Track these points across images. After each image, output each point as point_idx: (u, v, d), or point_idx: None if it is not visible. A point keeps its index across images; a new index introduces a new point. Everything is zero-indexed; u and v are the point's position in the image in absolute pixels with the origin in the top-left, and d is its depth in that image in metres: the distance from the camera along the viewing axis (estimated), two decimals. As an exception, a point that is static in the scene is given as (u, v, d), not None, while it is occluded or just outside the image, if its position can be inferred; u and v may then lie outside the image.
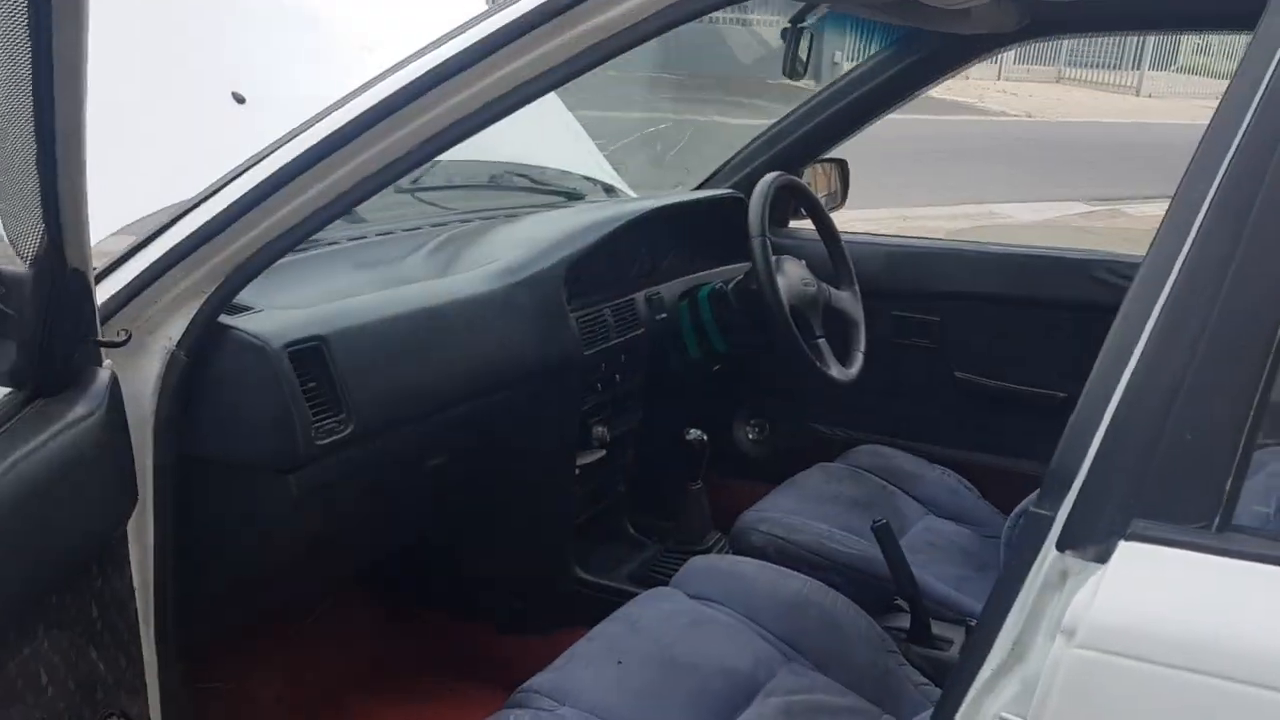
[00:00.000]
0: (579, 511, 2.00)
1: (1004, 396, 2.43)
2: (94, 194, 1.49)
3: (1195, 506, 0.85)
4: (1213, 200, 0.89)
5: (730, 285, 2.15)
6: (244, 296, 1.43)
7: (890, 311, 2.47)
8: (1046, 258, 2.39)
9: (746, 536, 2.01)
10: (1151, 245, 0.94)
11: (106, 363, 1.17)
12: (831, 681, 1.63)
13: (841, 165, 2.61)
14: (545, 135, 2.54)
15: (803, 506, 2.13)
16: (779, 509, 2.10)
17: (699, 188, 2.55)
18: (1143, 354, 0.89)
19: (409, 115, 1.17)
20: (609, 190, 2.54)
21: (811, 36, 2.01)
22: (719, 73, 12.43)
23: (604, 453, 2.02)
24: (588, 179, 2.53)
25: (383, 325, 1.52)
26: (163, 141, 1.68)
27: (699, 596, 1.73)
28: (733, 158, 2.51)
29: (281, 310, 1.45)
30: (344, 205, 1.26)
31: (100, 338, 1.10)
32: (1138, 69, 18.36)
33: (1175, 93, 18.13)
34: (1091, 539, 0.88)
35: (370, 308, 1.53)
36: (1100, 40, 18.33)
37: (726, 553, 2.00)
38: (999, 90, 16.66)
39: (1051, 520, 0.93)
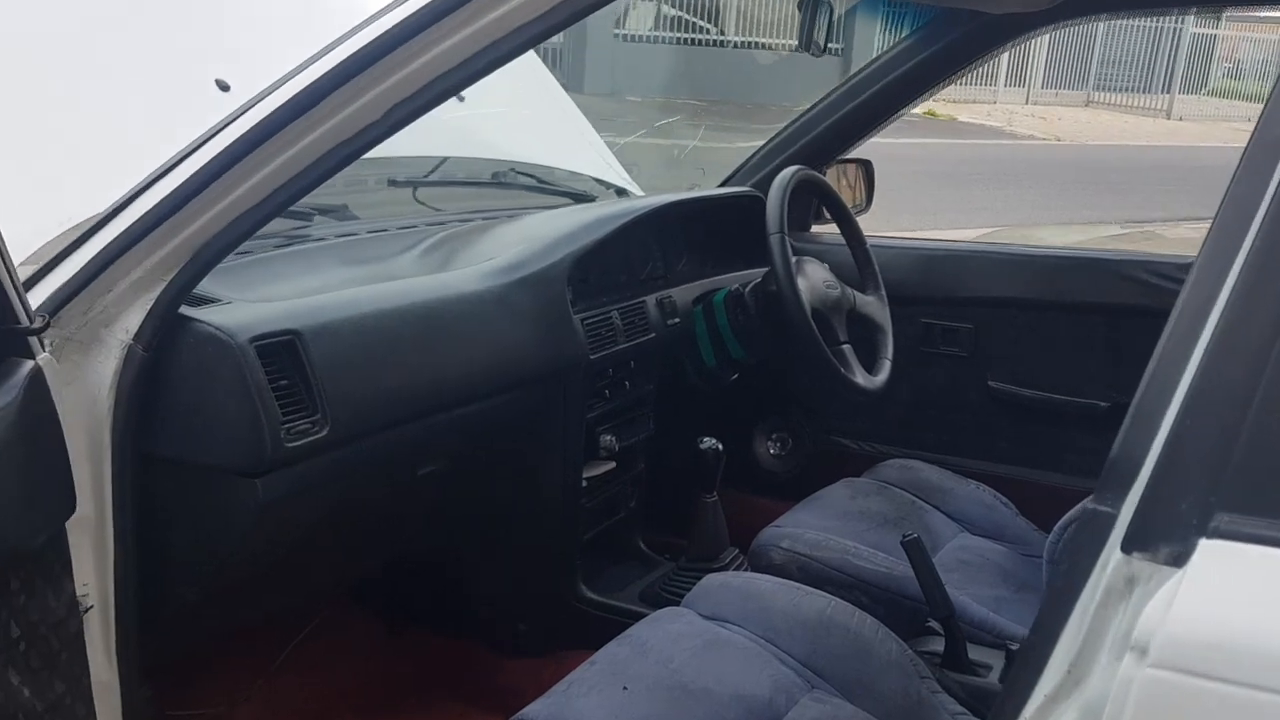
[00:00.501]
0: (586, 526, 1.87)
1: (1041, 406, 2.28)
2: (76, 182, 1.40)
3: None
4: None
5: (748, 288, 2.02)
6: (214, 290, 1.33)
7: (919, 318, 2.33)
8: (1082, 259, 2.25)
9: (766, 554, 1.88)
10: (1217, 215, 0.81)
11: (43, 355, 1.06)
12: (859, 710, 1.49)
13: (866, 166, 2.49)
14: (554, 135, 2.44)
15: (827, 523, 1.99)
16: (801, 525, 1.97)
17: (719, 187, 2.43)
18: (1217, 326, 0.76)
19: (382, 72, 1.05)
20: (621, 194, 2.42)
21: (830, 10, 1.88)
22: (743, 100, 12.39)
23: (613, 464, 1.89)
24: (599, 181, 2.42)
25: (366, 321, 1.40)
26: (144, 129, 1.58)
27: (713, 617, 1.60)
28: (752, 155, 2.39)
29: (252, 303, 1.34)
30: (315, 177, 1.14)
31: (18, 325, 0.98)
32: (1168, 92, 18.14)
33: (1207, 116, 17.90)
34: (1164, 538, 0.74)
35: (352, 302, 1.42)
36: (1129, 64, 18.17)
37: (744, 570, 1.86)
38: (1027, 114, 16.48)
39: (1113, 519, 0.79)
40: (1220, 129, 16.66)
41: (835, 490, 2.11)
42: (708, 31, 14.74)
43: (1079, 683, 0.79)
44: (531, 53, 1.61)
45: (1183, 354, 0.77)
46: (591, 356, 1.75)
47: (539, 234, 1.78)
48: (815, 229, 2.49)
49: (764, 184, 2.31)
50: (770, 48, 14.62)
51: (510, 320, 1.61)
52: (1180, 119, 17.44)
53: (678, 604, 1.70)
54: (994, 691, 1.63)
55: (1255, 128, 0.84)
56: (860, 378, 1.96)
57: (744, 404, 2.43)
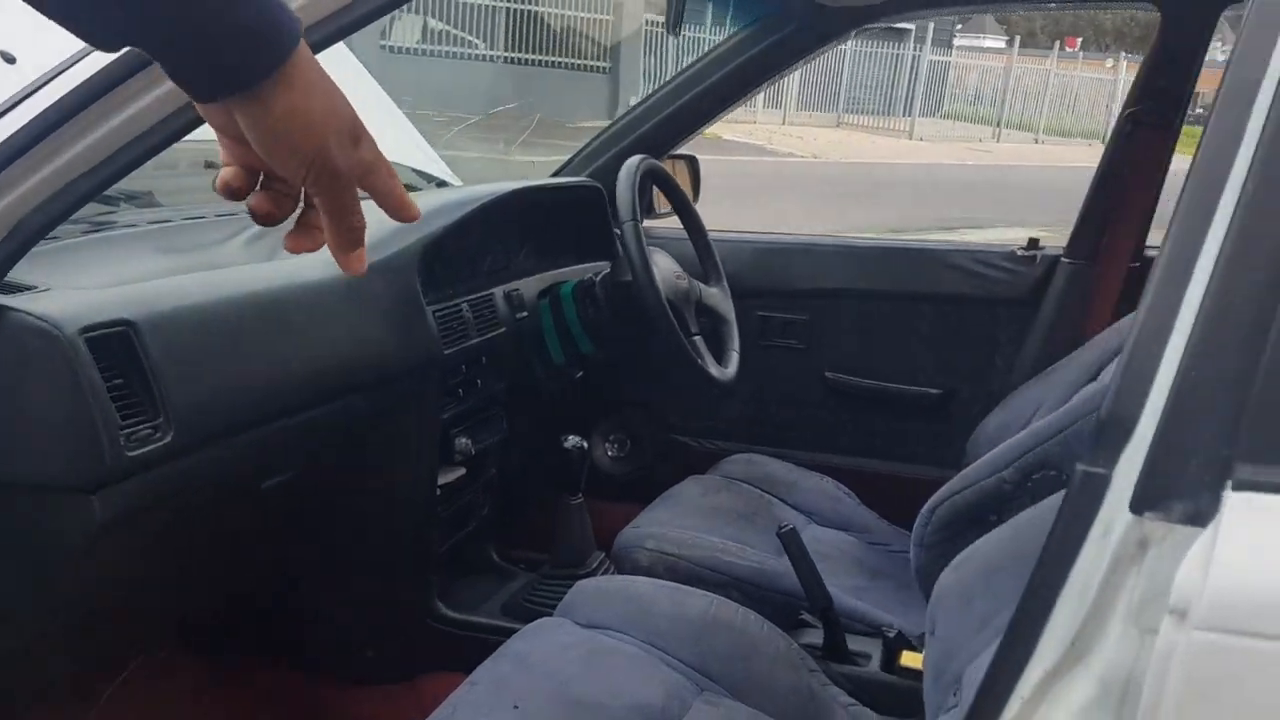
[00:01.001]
0: (441, 538, 1.72)
1: (877, 396, 2.31)
2: None
3: None
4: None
5: (598, 280, 1.93)
6: (25, 276, 1.12)
7: (755, 311, 2.32)
8: (912, 250, 2.30)
9: (631, 556, 1.80)
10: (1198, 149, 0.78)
11: None
12: (753, 711, 1.43)
13: (693, 162, 2.45)
14: (370, 125, 2.27)
15: (685, 521, 1.93)
16: (660, 524, 1.90)
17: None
18: (1217, 266, 0.73)
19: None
20: (442, 186, 2.28)
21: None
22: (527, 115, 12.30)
23: (463, 470, 1.75)
24: (419, 173, 2.27)
25: (207, 311, 1.22)
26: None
27: (593, 625, 1.50)
28: (583, 149, 2.30)
29: (76, 290, 1.14)
30: (162, 138, 0.97)
31: None
32: (910, 115, 19.38)
33: (944, 136, 19.26)
34: (1180, 495, 0.70)
35: (190, 290, 1.23)
36: (874, 88, 19.32)
37: (611, 575, 1.76)
38: (785, 133, 17.21)
39: (1107, 480, 0.75)
40: (956, 148, 17.99)
41: (685, 488, 2.06)
42: (475, 46, 14.59)
43: (1085, 655, 0.75)
44: (342, 44, 1.47)
45: (1174, 300, 0.74)
46: (446, 352, 1.61)
47: (379, 219, 1.62)
48: (648, 222, 2.43)
49: (598, 176, 2.24)
50: (538, 63, 14.63)
51: (360, 312, 1.46)
52: (921, 139, 18.66)
53: (547, 615, 1.60)
54: (878, 680, 1.61)
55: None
56: (714, 369, 1.91)
57: (579, 405, 2.34)
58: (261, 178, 0.72)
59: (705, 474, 2.15)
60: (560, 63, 14.95)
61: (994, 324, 2.21)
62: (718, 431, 2.40)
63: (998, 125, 20.54)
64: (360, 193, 0.73)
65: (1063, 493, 1.39)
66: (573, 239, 2.18)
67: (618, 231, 2.29)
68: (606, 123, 2.38)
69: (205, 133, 1.16)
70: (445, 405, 1.66)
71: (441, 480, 1.68)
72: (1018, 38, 25.02)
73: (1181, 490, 0.71)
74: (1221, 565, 0.66)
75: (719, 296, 2.08)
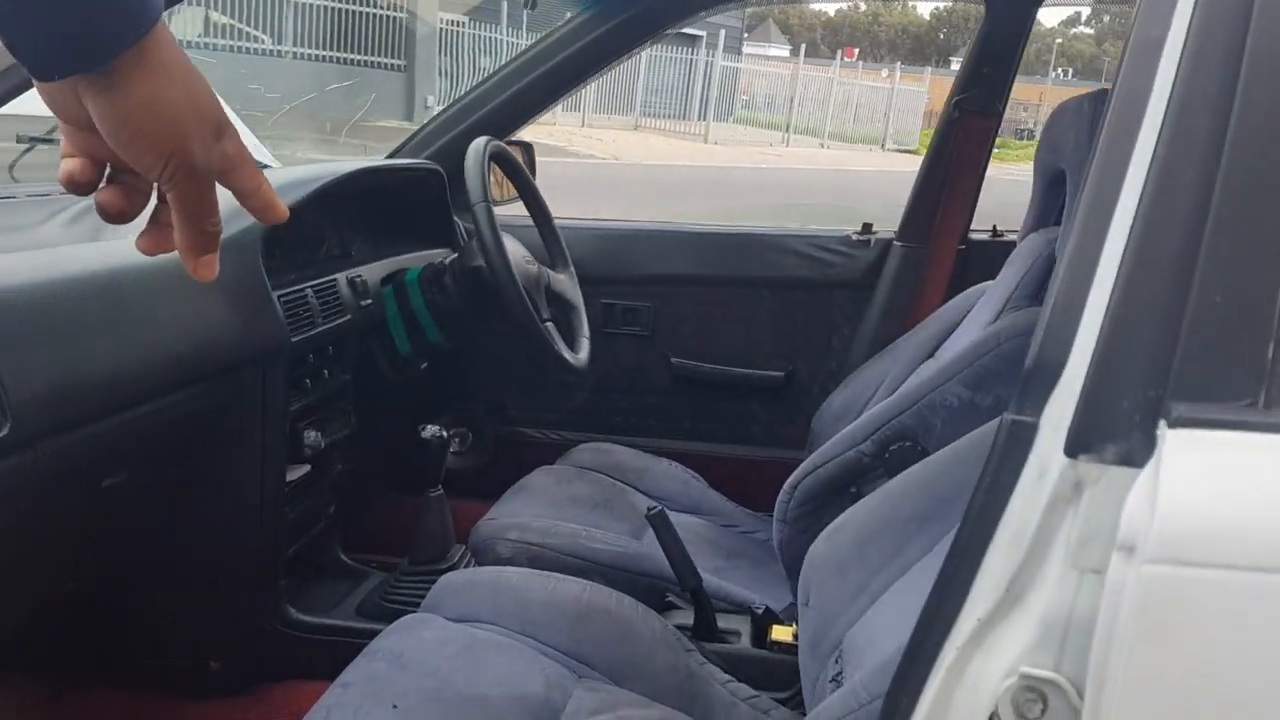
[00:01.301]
0: (289, 539, 1.62)
1: (719, 381, 2.33)
2: None
3: (1237, 382, 0.71)
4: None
5: (446, 264, 1.86)
6: None
7: (599, 299, 2.30)
8: (752, 235, 2.33)
9: (492, 548, 1.74)
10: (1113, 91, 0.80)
11: None
12: (633, 694, 1.41)
13: (528, 148, 2.41)
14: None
15: (542, 510, 1.89)
16: (517, 515, 1.85)
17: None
18: (1139, 212, 0.75)
19: None
20: (264, 168, 2.15)
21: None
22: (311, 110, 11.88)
23: (308, 467, 1.65)
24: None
25: (40, 293, 1.10)
26: None
27: (464, 619, 1.45)
28: (418, 131, 2.22)
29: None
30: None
31: None
32: (704, 119, 19.85)
33: (736, 140, 19.85)
34: (1113, 437, 0.72)
35: (19, 270, 1.11)
36: (669, 92, 19.67)
37: (473, 567, 1.70)
38: (585, 135, 17.31)
39: (1034, 428, 0.76)
40: (750, 151, 18.55)
41: (537, 479, 2.02)
42: (261, 41, 14.01)
43: (1022, 597, 0.76)
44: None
45: (1096, 242, 0.75)
46: (293, 339, 1.51)
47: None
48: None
49: (435, 160, 2.17)
50: (331, 60, 14.18)
51: (204, 296, 1.35)
52: (715, 143, 19.16)
53: (408, 612, 1.53)
54: (749, 656, 1.62)
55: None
56: (569, 355, 1.88)
57: (416, 399, 2.26)
58: (109, 169, 0.64)
59: (555, 464, 2.11)
60: (354, 60, 14.54)
61: (831, 306, 2.27)
62: (562, 422, 2.37)
63: (787, 130, 21.30)
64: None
65: (923, 462, 1.44)
66: (410, 224, 2.10)
67: (458, 219, 2.24)
68: (402, 121, 2.29)
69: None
70: (292, 397, 1.55)
71: (289, 478, 1.58)
72: (803, 46, 26.04)
73: (1114, 432, 0.72)
74: (1167, 500, 0.68)
75: (567, 283, 2.05)
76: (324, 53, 14.26)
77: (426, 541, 1.66)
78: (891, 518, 1.39)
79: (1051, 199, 1.82)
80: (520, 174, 2.01)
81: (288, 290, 1.55)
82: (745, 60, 23.16)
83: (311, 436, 1.59)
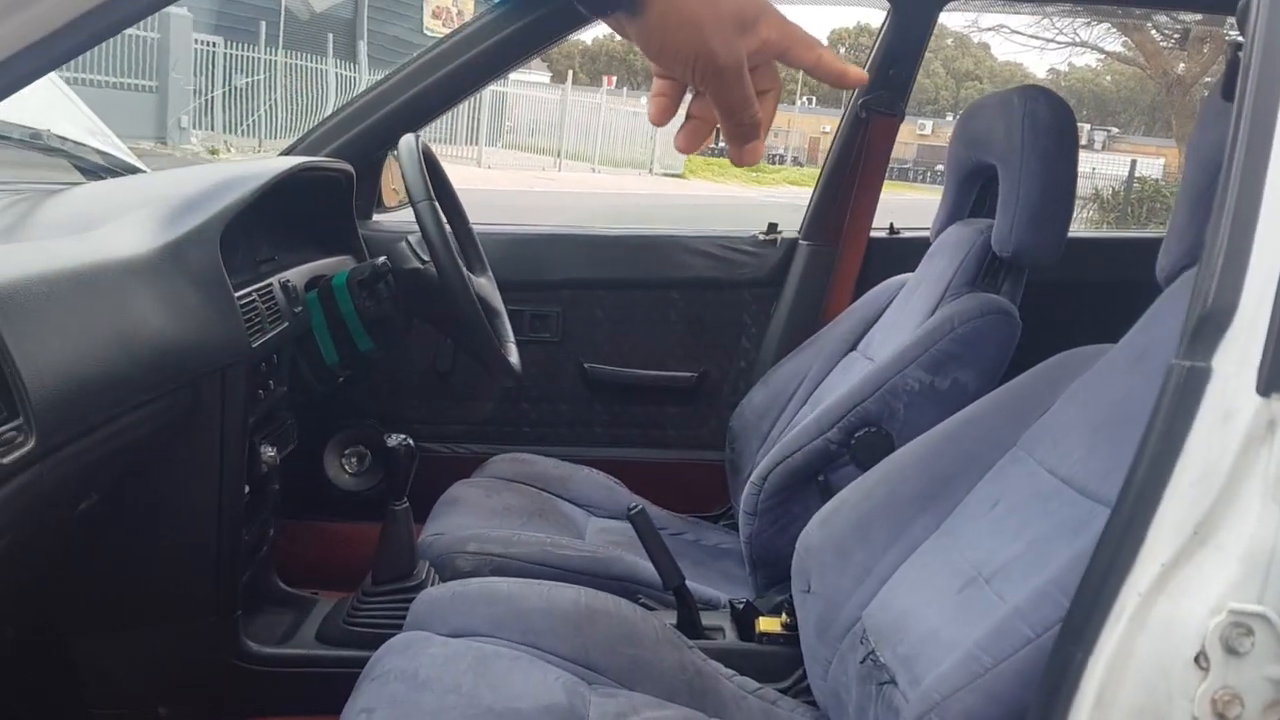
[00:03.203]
0: (243, 565, 1.47)
1: (631, 385, 2.30)
2: None
3: None
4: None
5: (378, 266, 1.75)
6: None
7: (506, 305, 2.22)
8: (661, 238, 2.32)
9: (451, 563, 1.65)
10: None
11: None
12: (647, 697, 1.37)
13: (426, 149, 2.31)
14: (59, 109, 1.92)
15: (483, 521, 1.81)
16: (463, 527, 1.76)
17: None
18: None
19: None
20: (137, 173, 1.97)
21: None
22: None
23: (248, 488, 1.51)
24: (104, 154, 1.94)
25: (39, 285, 0.96)
26: None
27: (460, 633, 1.36)
28: (317, 127, 2.09)
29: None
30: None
31: None
32: (476, 144, 19.72)
33: (509, 165, 19.81)
34: None
35: (13, 261, 0.96)
36: (446, 119, 19.42)
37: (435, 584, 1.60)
38: (354, 159, 16.83)
39: (1207, 371, 0.79)
40: (524, 175, 18.55)
41: (463, 493, 1.94)
42: None
43: (1213, 538, 0.78)
44: None
45: (1255, 195, 0.79)
46: (254, 344, 1.38)
47: (160, 193, 1.37)
48: (377, 216, 2.26)
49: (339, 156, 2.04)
50: (77, 82, 13.19)
51: (181, 291, 1.21)
52: (490, 167, 19.05)
53: (377, 634, 1.43)
54: (739, 650, 1.60)
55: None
56: (514, 359, 1.81)
57: (310, 416, 2.12)
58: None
59: (473, 478, 2.03)
60: (101, 81, 13.63)
61: (740, 306, 2.29)
62: (471, 435, 2.28)
63: (558, 155, 21.46)
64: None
65: (916, 441, 1.46)
66: (312, 228, 1.97)
67: (379, 217, 2.13)
68: (154, 143, 2.13)
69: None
70: (250, 408, 1.42)
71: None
72: (570, 72, 26.38)
73: None
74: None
75: (488, 287, 1.98)
76: (70, 74, 13.27)
77: (392, 558, 1.54)
78: (892, 499, 1.41)
79: (966, 193, 1.91)
80: (440, 173, 1.92)
81: (240, 292, 1.42)
82: (512, 85, 23.19)
83: (268, 454, 1.46)
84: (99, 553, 1.28)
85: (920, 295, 1.84)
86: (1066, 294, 2.25)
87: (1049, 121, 1.64)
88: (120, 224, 1.21)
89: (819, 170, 2.30)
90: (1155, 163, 22.17)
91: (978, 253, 1.75)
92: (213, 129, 15.27)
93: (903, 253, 2.20)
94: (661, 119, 0.72)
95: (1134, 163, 16.60)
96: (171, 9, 13.89)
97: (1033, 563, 1.12)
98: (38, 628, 1.30)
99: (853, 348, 2.02)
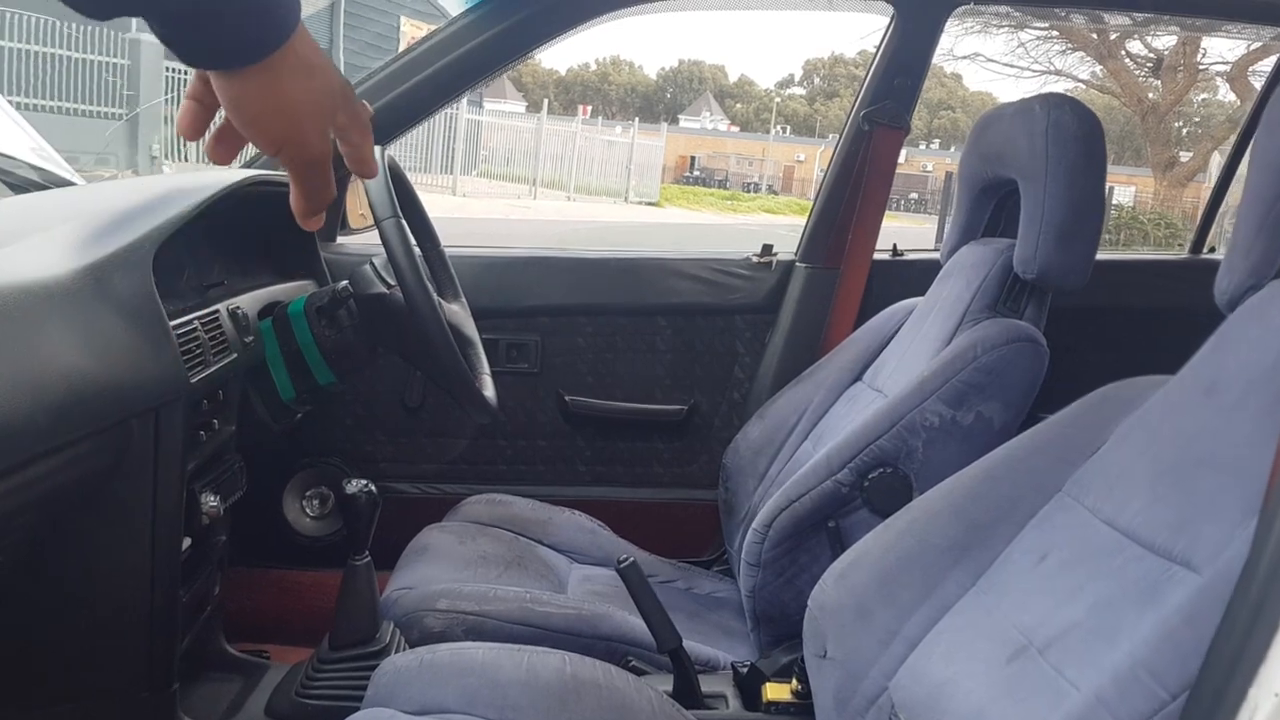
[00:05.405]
0: (183, 630, 1.28)
1: (616, 419, 2.13)
2: None
3: None
4: None
5: (336, 292, 1.58)
6: None
7: (481, 334, 2.06)
8: (648, 260, 2.16)
9: (420, 622, 1.47)
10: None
11: None
12: (643, 780, 1.19)
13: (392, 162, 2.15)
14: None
15: (456, 574, 1.64)
16: (434, 581, 1.59)
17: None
18: None
19: None
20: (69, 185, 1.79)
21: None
22: None
23: (188, 540, 1.33)
24: (39, 170, 1.77)
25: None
26: None
27: (428, 710, 1.19)
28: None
29: None
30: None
31: None
32: (451, 173, 19.57)
33: (484, 193, 19.68)
34: None
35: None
36: (413, 144, 19.29)
37: (405, 650, 1.42)
38: (330, 187, 16.65)
39: None
40: (499, 204, 18.41)
41: (433, 540, 1.76)
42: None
43: None
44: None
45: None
46: (192, 380, 1.21)
47: (86, 208, 1.20)
48: (341, 239, 2.09)
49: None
50: (45, 109, 12.98)
51: (105, 318, 1.04)
52: (465, 195, 18.90)
53: (333, 709, 1.26)
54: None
55: None
56: (490, 393, 1.65)
57: (265, 455, 1.94)
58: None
59: (445, 521, 1.86)
60: (70, 109, 13.43)
61: (733, 334, 2.14)
62: (442, 474, 2.10)
63: (534, 184, 21.35)
64: None
65: (947, 482, 1.30)
66: (268, 248, 1.80)
67: (344, 239, 1.95)
68: (125, 171, 2.00)
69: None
70: (188, 452, 1.24)
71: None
72: (545, 101, 26.35)
73: None
74: None
75: (462, 315, 1.81)
76: (37, 101, 13.06)
77: (351, 620, 1.36)
78: (920, 550, 1.25)
79: (980, 210, 1.76)
80: (409, 190, 1.76)
81: (177, 321, 1.24)
82: (487, 114, 23.11)
83: (211, 501, 1.28)
84: (6, 620, 1.10)
85: (934, 321, 1.69)
86: (1084, 319, 2.11)
87: (1075, 131, 1.50)
88: (33, 242, 1.04)
89: (792, 198, 2.16)
90: (1127, 190, 22.36)
91: (998, 274, 1.61)
92: (185, 159, 15.10)
93: (909, 275, 2.06)
94: (194, 132, 0.67)
95: (1111, 189, 16.68)
96: (142, 35, 13.74)
97: (1099, 633, 0.96)
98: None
99: (858, 378, 1.87)
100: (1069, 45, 15.21)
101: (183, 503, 1.22)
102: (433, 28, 1.94)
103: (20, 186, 1.62)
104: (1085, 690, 0.87)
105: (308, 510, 2.04)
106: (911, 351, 1.72)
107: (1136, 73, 15.95)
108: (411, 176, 1.68)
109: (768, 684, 1.43)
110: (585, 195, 22.22)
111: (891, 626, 1.22)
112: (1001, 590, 1.14)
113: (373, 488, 1.38)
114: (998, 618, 1.11)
